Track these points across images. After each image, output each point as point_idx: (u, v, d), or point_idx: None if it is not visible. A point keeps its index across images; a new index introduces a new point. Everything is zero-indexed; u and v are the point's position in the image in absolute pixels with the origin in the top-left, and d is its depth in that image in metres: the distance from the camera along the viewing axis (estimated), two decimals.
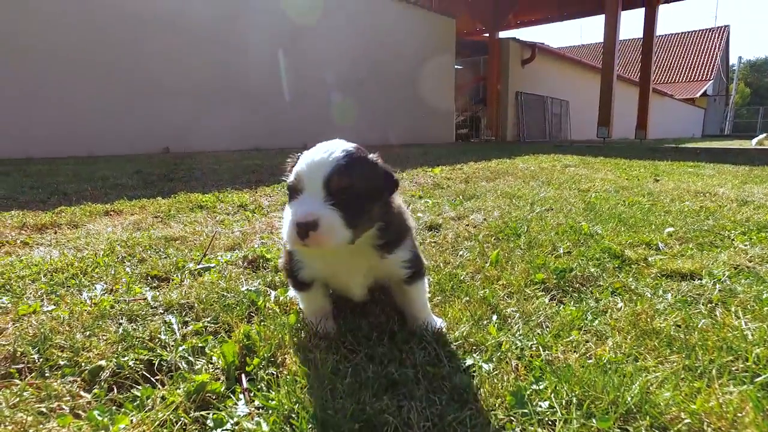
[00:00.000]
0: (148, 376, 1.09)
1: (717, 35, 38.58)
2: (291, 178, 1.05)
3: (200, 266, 1.82)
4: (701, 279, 1.74)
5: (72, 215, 3.07)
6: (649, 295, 1.58)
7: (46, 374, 1.08)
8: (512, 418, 0.93)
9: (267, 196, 3.77)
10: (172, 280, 1.73)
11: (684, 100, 34.90)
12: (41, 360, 1.13)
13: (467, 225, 2.62)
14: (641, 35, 15.75)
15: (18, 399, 0.95)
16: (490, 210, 3.02)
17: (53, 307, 1.43)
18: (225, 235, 2.42)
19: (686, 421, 0.90)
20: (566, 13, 17.87)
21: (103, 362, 1.11)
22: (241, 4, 9.14)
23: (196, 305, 1.45)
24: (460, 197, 3.56)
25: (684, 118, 35.09)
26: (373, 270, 1.21)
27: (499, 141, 16.89)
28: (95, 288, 1.61)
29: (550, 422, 0.92)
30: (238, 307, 1.44)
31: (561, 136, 20.80)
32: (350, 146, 1.07)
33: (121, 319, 1.36)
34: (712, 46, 38.13)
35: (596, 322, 1.35)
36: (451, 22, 14.87)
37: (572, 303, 1.52)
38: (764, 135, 17.31)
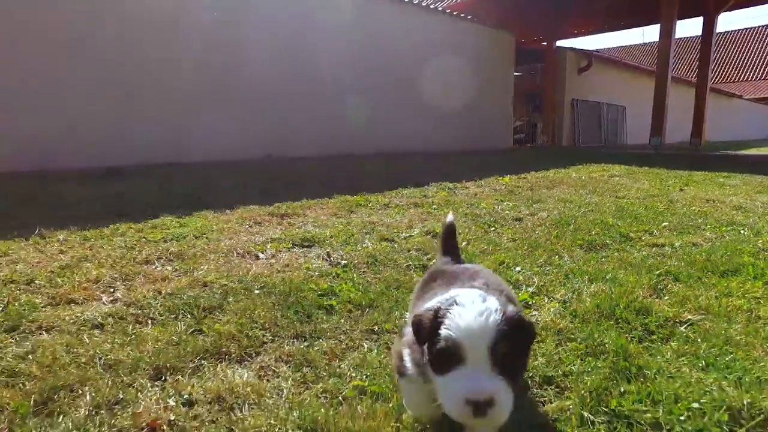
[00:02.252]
0: None
1: None
2: (442, 343, 0.97)
3: (406, 235, 3.69)
4: (665, 247, 3.37)
5: (287, 209, 5.01)
6: (634, 252, 3.25)
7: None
8: (544, 273, 2.68)
9: (396, 198, 5.60)
10: (397, 240, 3.59)
11: (755, 100, 33.55)
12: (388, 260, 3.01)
13: (537, 218, 4.34)
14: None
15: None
16: (551, 210, 4.71)
17: (366, 244, 3.34)
18: (399, 222, 4.27)
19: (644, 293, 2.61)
20: (622, 23, 18.65)
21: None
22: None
23: (422, 248, 3.30)
24: (530, 201, 5.25)
25: (755, 119, 33.70)
26: None
27: (554, 146, 18.02)
28: (382, 243, 3.50)
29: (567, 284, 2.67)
30: None
31: (617, 141, 21.42)
32: (499, 303, 1.02)
33: (394, 252, 3.24)
34: None
35: (602, 259, 3.06)
36: (510, 37, 16.30)
37: (593, 253, 3.22)
38: None
